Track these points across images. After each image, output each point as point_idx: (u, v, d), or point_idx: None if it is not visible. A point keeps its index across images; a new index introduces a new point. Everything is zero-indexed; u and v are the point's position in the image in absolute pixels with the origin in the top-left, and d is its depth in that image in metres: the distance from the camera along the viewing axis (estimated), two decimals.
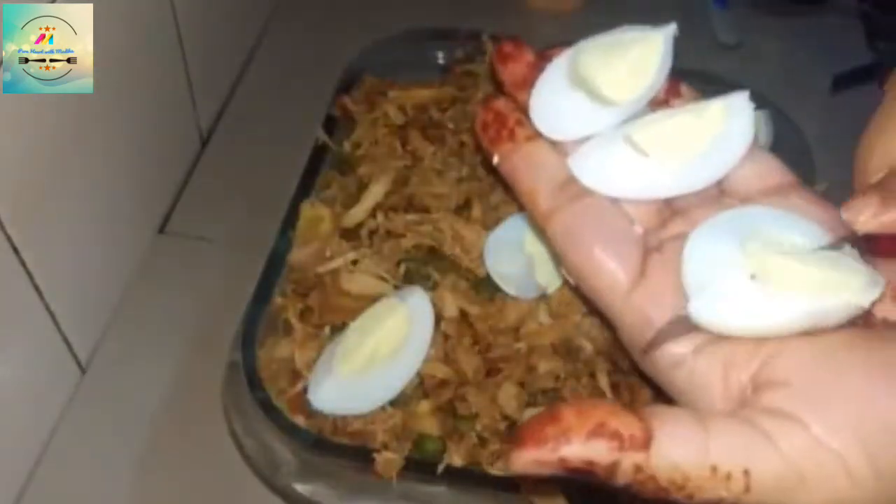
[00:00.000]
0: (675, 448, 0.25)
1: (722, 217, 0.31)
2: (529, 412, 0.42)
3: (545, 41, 0.58)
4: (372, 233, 0.48)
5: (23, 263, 0.41)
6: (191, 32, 0.55)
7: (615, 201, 0.33)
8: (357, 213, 0.49)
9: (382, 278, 0.46)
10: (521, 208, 0.36)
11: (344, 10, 0.71)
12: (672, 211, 0.33)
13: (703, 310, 0.28)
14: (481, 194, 0.50)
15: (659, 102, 0.36)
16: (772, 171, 0.34)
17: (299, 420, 0.42)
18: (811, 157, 0.54)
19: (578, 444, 0.25)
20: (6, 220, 0.39)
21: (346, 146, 0.53)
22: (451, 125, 0.54)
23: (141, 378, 0.49)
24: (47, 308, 0.44)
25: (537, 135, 0.35)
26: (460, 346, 0.43)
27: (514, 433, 0.31)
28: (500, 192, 0.49)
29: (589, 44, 0.36)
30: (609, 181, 0.33)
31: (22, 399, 0.44)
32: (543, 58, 0.37)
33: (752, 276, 0.28)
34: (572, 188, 0.33)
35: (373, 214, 0.49)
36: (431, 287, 0.45)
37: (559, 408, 0.26)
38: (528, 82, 0.36)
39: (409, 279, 0.46)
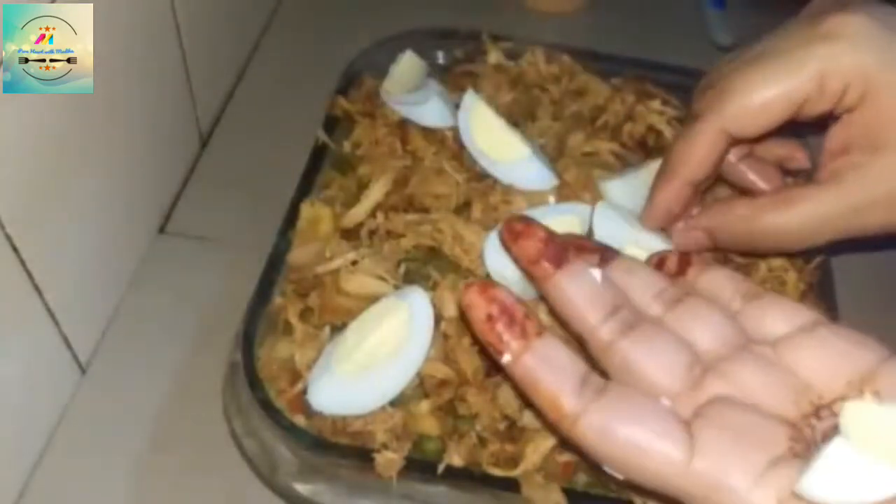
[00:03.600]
0: None
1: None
2: (529, 412, 0.42)
3: (545, 43, 0.59)
4: (372, 233, 0.48)
5: (23, 263, 0.41)
6: (191, 32, 0.55)
7: (635, 383, 0.33)
8: (357, 213, 0.49)
9: (382, 278, 0.46)
10: (535, 407, 0.34)
11: (344, 11, 0.71)
12: (702, 368, 0.33)
13: (814, 488, 0.28)
14: (481, 194, 0.50)
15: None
16: (796, 311, 0.35)
17: (299, 420, 0.42)
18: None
19: None
20: (6, 220, 0.39)
21: (346, 146, 0.53)
22: None
23: (141, 378, 0.49)
24: (47, 308, 0.44)
25: (544, 327, 0.34)
26: (460, 346, 0.43)
27: None
28: (500, 193, 0.49)
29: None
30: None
31: (22, 399, 0.44)
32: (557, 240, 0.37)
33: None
34: (593, 381, 0.33)
35: (373, 214, 0.49)
36: (431, 287, 0.45)
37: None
38: (542, 259, 0.36)
39: (409, 279, 0.46)
